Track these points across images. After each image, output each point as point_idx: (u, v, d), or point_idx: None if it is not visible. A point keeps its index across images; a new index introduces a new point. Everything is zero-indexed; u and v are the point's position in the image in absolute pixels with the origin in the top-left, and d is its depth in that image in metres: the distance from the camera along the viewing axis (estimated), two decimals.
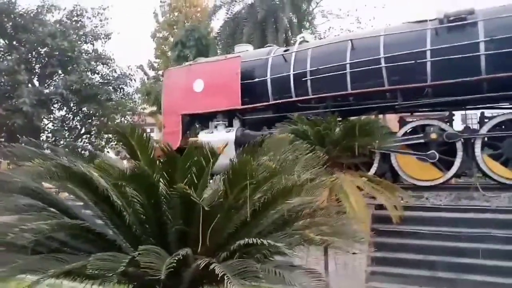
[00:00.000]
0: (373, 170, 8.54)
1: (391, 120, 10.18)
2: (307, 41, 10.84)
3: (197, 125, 12.39)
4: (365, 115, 8.70)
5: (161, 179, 2.81)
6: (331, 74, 8.96)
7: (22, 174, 2.86)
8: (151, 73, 24.34)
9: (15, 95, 16.59)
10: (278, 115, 9.28)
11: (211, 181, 3.16)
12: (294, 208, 3.21)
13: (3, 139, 18.62)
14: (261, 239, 2.53)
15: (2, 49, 18.76)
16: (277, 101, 9.69)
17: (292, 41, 16.83)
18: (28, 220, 2.66)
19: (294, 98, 9.53)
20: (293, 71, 9.52)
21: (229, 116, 10.48)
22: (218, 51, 19.62)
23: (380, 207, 7.27)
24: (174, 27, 24.14)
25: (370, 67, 8.51)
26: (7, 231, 2.40)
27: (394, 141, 7.75)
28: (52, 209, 2.92)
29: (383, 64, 8.48)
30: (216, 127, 10.56)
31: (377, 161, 8.61)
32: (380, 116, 9.42)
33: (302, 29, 20.46)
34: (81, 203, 3.24)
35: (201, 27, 21.08)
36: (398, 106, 8.80)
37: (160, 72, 22.70)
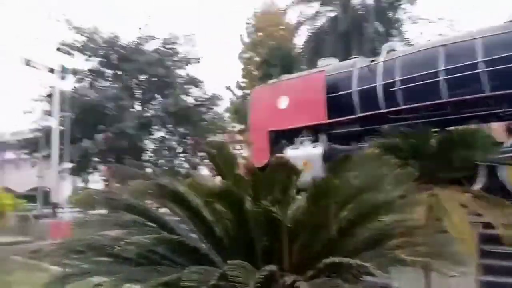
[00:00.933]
0: (478, 185, 7.75)
1: (497, 129, 9.18)
2: (395, 50, 10.39)
3: (283, 142, 12.55)
4: (464, 124, 7.98)
5: (246, 196, 2.89)
6: (424, 82, 8.42)
7: (127, 192, 3.17)
8: (239, 93, 25.43)
9: (120, 120, 18.47)
10: (366, 128, 8.97)
11: (298, 197, 3.17)
12: (385, 227, 3.05)
13: (112, 160, 20.85)
14: (348, 259, 2.45)
15: (109, 79, 21.18)
16: (365, 114, 9.38)
17: (379, 51, 16.29)
18: (132, 234, 2.93)
19: (383, 110, 9.13)
20: (381, 81, 9.16)
21: (315, 131, 10.41)
22: (302, 67, 19.77)
23: (488, 225, 6.53)
24: (259, 47, 24.99)
25: (468, 72, 7.83)
26: (115, 244, 2.67)
27: (502, 152, 6.97)
28: (152, 224, 3.17)
29: (483, 69, 7.74)
30: (302, 142, 10.55)
31: (483, 175, 7.79)
32: (484, 125, 8.57)
33: (390, 38, 19.67)
34: (177, 219, 3.46)
35: (285, 45, 21.47)
36: (502, 114, 7.92)
37: (247, 91, 23.64)
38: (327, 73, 10.28)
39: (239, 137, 24.46)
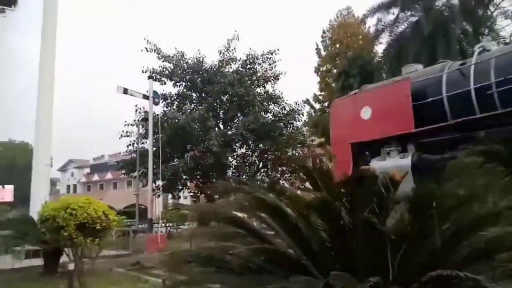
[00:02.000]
0: None
1: None
2: (488, 50, 9.64)
3: (367, 153, 12.20)
4: None
5: (342, 208, 2.93)
6: None
7: (226, 206, 3.40)
8: (317, 106, 25.37)
9: (206, 139, 19.49)
10: (459, 135, 8.40)
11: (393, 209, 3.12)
12: (494, 239, 2.87)
13: (198, 176, 22.04)
14: (456, 271, 2.35)
15: (194, 101, 22.56)
16: (458, 120, 8.79)
17: (468, 53, 15.19)
18: (234, 246, 3.13)
19: (479, 115, 8.48)
20: (474, 85, 8.55)
21: (401, 141, 9.99)
22: (384, 75, 19.15)
23: None
24: (336, 58, 24.77)
25: None
26: (219, 255, 2.88)
27: None
28: (251, 236, 3.35)
29: None
30: (388, 153, 10.18)
31: None
32: None
33: (480, 37, 18.24)
34: (273, 232, 3.61)
35: (364, 54, 21.02)
36: None
37: (326, 104, 23.47)
38: (412, 80, 9.86)
39: (318, 150, 24.31)
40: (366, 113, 10.70)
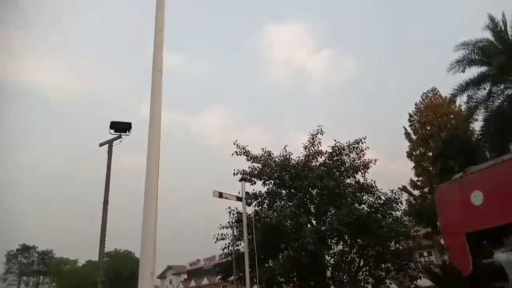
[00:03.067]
0: None
1: None
2: None
3: (487, 244, 10.52)
4: None
5: None
6: None
7: None
8: (416, 193, 23.54)
9: (299, 236, 18.79)
10: None
11: None
12: None
13: (295, 278, 20.83)
14: None
15: (284, 197, 22.45)
16: None
17: None
18: None
19: None
20: None
21: None
22: (487, 154, 17.42)
23: None
24: (430, 141, 23.48)
25: None
26: None
27: None
28: None
29: None
30: None
31: None
32: None
33: None
34: None
35: (460, 134, 19.64)
36: None
37: (426, 190, 21.68)
38: None
39: (425, 241, 21.87)
40: (477, 198, 9.45)
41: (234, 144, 22.43)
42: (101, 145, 19.81)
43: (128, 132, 19.27)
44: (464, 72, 20.28)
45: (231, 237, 21.98)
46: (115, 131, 19.42)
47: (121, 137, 19.36)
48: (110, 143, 19.63)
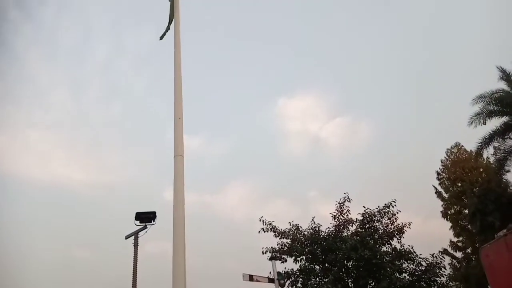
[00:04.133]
0: None
1: None
2: None
3: None
4: None
5: None
6: None
7: None
8: (459, 255, 22.00)
9: None
10: None
11: None
12: None
13: None
14: None
15: (319, 274, 21.22)
16: None
17: None
18: None
19: None
20: None
21: None
22: None
23: None
24: (463, 197, 22.49)
25: None
26: None
27: None
28: None
29: None
30: None
31: None
32: None
33: None
34: None
35: (494, 187, 18.82)
36: None
37: (469, 251, 20.28)
38: None
39: None
40: None
41: (260, 220, 21.95)
42: (127, 237, 19.64)
43: (153, 221, 19.25)
44: (485, 124, 20.07)
45: None
46: (140, 222, 19.42)
47: (147, 227, 19.29)
48: (135, 234, 19.50)
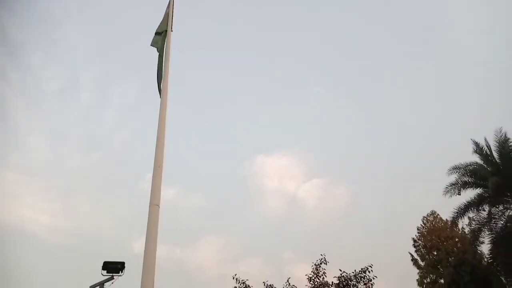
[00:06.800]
0: None
1: None
2: None
3: None
4: None
5: None
6: None
7: None
8: None
9: None
10: None
11: None
12: None
13: None
14: None
15: None
16: None
17: None
18: None
19: None
20: None
21: None
22: (502, 279, 16.44)
23: None
24: (438, 267, 22.35)
25: None
26: None
27: None
28: None
29: None
30: None
31: None
32: None
33: None
34: None
35: (469, 258, 18.85)
36: None
37: None
38: None
39: None
40: None
41: (233, 278, 21.14)
42: None
43: (121, 272, 18.32)
44: (460, 194, 20.49)
45: None
46: (107, 272, 18.44)
47: (114, 278, 18.32)
48: (101, 285, 18.44)
